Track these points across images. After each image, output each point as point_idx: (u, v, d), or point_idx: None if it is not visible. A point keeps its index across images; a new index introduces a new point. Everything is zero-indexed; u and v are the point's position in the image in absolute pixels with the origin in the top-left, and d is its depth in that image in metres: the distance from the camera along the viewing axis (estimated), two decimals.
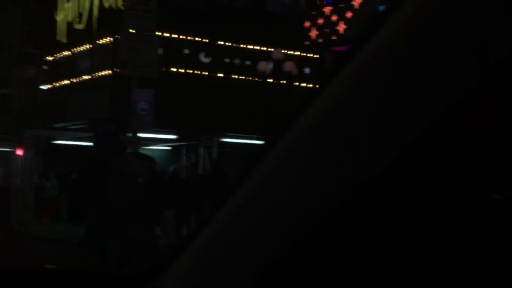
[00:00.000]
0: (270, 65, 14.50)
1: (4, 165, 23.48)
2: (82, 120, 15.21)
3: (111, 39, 14.19)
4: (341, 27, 9.76)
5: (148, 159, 9.32)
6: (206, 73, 15.48)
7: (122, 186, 8.73)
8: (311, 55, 17.33)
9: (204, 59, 15.45)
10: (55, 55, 16.96)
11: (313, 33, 10.60)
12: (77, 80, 15.38)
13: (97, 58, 14.85)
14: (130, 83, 13.15)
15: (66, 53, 16.45)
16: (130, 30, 12.89)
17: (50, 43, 19.08)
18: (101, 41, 14.58)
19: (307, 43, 11.07)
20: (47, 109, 17.01)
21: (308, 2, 17.59)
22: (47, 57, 17.88)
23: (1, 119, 20.79)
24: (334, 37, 9.95)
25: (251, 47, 16.28)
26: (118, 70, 12.72)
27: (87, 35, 16.87)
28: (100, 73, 14.39)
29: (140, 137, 15.67)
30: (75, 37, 17.58)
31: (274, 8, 20.33)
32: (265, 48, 16.53)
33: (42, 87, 17.61)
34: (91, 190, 8.99)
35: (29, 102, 18.43)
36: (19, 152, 18.66)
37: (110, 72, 14.10)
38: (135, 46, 12.88)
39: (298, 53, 17.02)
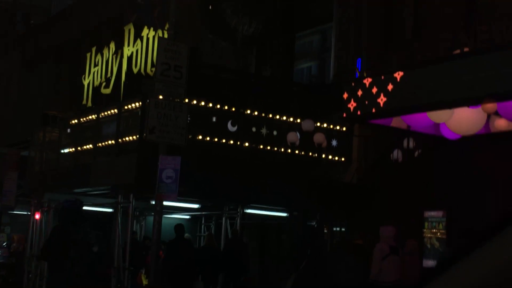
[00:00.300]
0: (299, 136, 14.25)
1: (22, 228, 23.22)
2: (105, 185, 14.92)
3: (139, 104, 14.03)
4: (382, 99, 9.51)
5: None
6: (232, 142, 15.22)
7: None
8: (338, 127, 17.10)
9: (231, 127, 15.22)
10: (79, 118, 16.82)
11: (352, 104, 10.33)
12: (102, 144, 15.16)
13: (124, 123, 14.67)
14: (158, 149, 12.96)
15: (91, 117, 16.31)
16: (160, 96, 12.75)
17: (75, 107, 19.06)
18: (128, 106, 14.42)
19: (345, 115, 10.79)
20: (69, 173, 16.78)
21: (348, 73, 17.50)
22: (71, 121, 17.75)
23: (22, 182, 20.60)
24: (373, 110, 9.68)
25: (278, 117, 16.07)
26: (145, 135, 12.46)
27: (114, 99, 16.82)
28: (126, 138, 14.16)
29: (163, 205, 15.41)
30: (101, 101, 17.53)
31: (300, 79, 20.35)
32: (291, 119, 16.33)
33: (65, 150, 17.41)
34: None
35: (51, 165, 18.23)
36: (37, 216, 18.39)
37: (136, 137, 13.86)
38: (164, 112, 12.72)
39: (325, 125, 16.80)
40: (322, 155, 15.08)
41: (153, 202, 14.90)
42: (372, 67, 17.35)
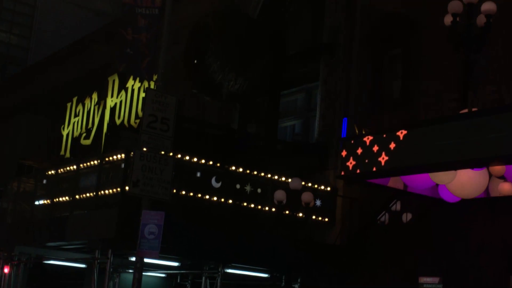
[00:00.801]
0: (282, 196, 13.87)
1: None
2: (82, 239, 14.30)
3: (122, 156, 13.57)
4: (383, 158, 9.21)
5: None
6: (215, 199, 14.77)
7: None
8: (322, 187, 16.75)
9: (216, 184, 14.80)
10: (57, 169, 16.26)
11: (350, 163, 10.01)
12: (80, 197, 14.59)
13: (104, 175, 14.16)
14: (140, 203, 12.46)
15: (70, 168, 15.77)
16: (144, 149, 12.30)
17: (53, 157, 18.53)
18: (111, 158, 13.94)
19: (343, 173, 10.46)
20: (43, 226, 16.13)
21: (333, 132, 17.32)
22: (48, 171, 17.17)
23: None
24: (374, 169, 9.36)
25: (263, 174, 15.70)
26: (128, 189, 11.96)
27: (94, 151, 16.33)
28: (107, 191, 13.63)
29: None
30: (81, 153, 17.03)
31: (284, 137, 20.11)
32: (276, 177, 15.97)
33: (40, 202, 16.77)
34: None
35: (24, 217, 17.54)
36: (6, 270, 17.59)
37: (118, 190, 13.35)
38: (149, 165, 12.29)
39: (309, 184, 16.44)
40: (309, 215, 14.66)
41: (132, 259, 14.36)
42: (359, 127, 17.19)
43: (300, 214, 15.16)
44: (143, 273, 19.31)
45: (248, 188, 15.47)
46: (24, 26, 67.13)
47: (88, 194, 14.56)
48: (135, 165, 12.14)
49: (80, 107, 17.59)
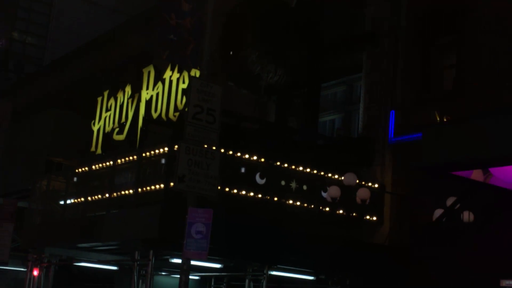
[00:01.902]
0: (336, 193, 13.05)
1: (11, 286, 21.60)
2: (119, 240, 13.56)
3: (163, 150, 12.82)
4: (471, 148, 8.38)
5: None
6: (260, 196, 13.99)
7: None
8: (370, 184, 15.91)
9: (260, 180, 14.01)
10: (90, 166, 15.54)
11: (433, 154, 9.18)
12: (117, 194, 13.85)
13: (144, 171, 13.42)
14: (181, 201, 11.74)
15: (104, 164, 15.04)
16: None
17: (82, 154, 17.85)
18: (151, 152, 13.19)
19: (424, 165, 9.63)
20: (74, 226, 15.40)
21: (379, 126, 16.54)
22: (79, 168, 16.46)
23: (20, 235, 19.17)
24: (462, 160, 8.53)
25: (309, 170, 14.90)
26: (173, 185, 11.21)
27: (128, 146, 15.65)
28: (148, 188, 12.89)
29: (173, 263, 14.06)
30: (113, 148, 16.33)
31: (323, 133, 19.33)
32: (322, 173, 15.17)
33: (71, 201, 16.06)
34: None
35: (54, 217, 16.85)
36: (35, 272, 16.91)
37: (160, 187, 12.60)
38: (195, 159, 11.53)
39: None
40: (360, 213, 13.84)
41: (173, 260, 13.62)
42: (407, 120, 16.36)
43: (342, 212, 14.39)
44: (175, 276, 18.77)
45: (293, 184, 14.69)
46: (41, 25, 66.84)
47: (126, 192, 13.82)
48: (181, 159, 11.40)
49: (112, 101, 16.89)
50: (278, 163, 14.48)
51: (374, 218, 15.97)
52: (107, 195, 14.60)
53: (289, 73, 17.50)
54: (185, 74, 14.11)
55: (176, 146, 12.14)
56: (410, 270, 14.34)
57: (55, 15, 66.03)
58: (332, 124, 19.84)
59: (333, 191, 13.13)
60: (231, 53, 18.03)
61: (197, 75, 13.60)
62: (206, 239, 11.22)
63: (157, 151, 13.29)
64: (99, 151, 16.82)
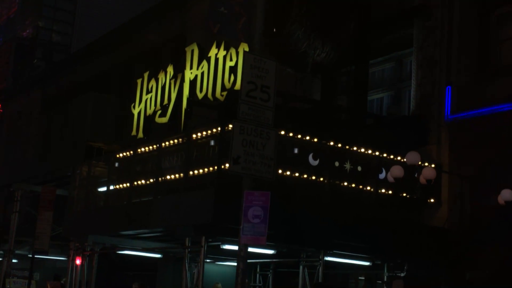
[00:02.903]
0: (400, 172, 12.38)
1: (53, 275, 21.32)
2: (168, 226, 13.09)
3: (214, 131, 12.27)
4: None
5: None
6: (314, 178, 13.39)
7: None
8: (426, 163, 15.19)
9: (313, 161, 13.41)
10: (134, 150, 15.05)
11: None
12: (164, 179, 13.35)
13: (193, 153, 12.90)
14: (234, 184, 11.21)
15: (149, 148, 14.55)
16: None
17: (123, 138, 17.41)
18: (202, 134, 12.65)
19: None
20: (119, 213, 14.97)
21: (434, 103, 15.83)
22: (120, 153, 16.00)
23: (59, 224, 18.86)
24: None
25: (363, 150, 14.26)
26: (228, 166, 10.65)
27: (172, 129, 15.13)
28: (199, 171, 12.37)
29: (224, 249, 13.55)
30: (155, 132, 15.83)
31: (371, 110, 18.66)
32: (377, 153, 14.52)
33: (114, 187, 15.62)
34: None
35: (96, 204, 16.44)
36: (78, 261, 16.55)
37: (212, 169, 12.06)
38: (250, 139, 10.97)
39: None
40: (426, 195, 13.18)
41: (225, 247, 13.10)
42: (465, 95, 15.64)
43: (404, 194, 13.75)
44: (220, 263, 18.30)
45: (347, 165, 14.06)
46: (67, 12, 66.79)
47: (174, 176, 13.30)
48: (235, 139, 10.83)
49: (153, 82, 16.33)
50: (332, 143, 13.85)
51: (432, 200, 15.31)
52: (152, 180, 14.10)
53: (336, 50, 16.82)
54: (233, 51, 13.52)
55: (229, 126, 11.59)
56: (469, 254, 13.76)
57: (80, 3, 66.00)
58: (380, 103, 19.11)
59: (396, 171, 12.49)
60: (274, 30, 17.36)
61: (246, 48, 13.00)
62: (264, 223, 10.69)
63: (207, 132, 12.74)
64: (140, 135, 16.28)
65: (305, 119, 15.39)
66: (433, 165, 15.15)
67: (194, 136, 13.05)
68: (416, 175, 14.12)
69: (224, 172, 11.78)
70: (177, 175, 13.24)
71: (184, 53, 15.26)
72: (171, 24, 24.00)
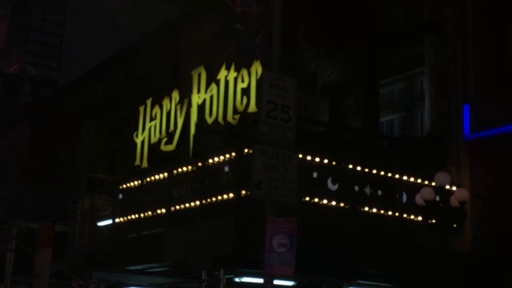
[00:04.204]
0: (430, 195, 11.75)
1: None
2: (182, 259, 12.36)
3: (231, 155, 11.65)
4: None
5: None
6: (334, 203, 12.75)
7: None
8: (448, 186, 14.58)
9: (332, 186, 12.78)
10: (141, 180, 14.38)
11: None
12: (178, 208, 12.66)
13: (207, 180, 12.25)
14: (254, 211, 10.58)
15: (158, 177, 13.88)
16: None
17: (125, 169, 16.72)
18: (216, 159, 12.01)
19: None
20: (126, 246, 14.24)
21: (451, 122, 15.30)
22: (125, 184, 15.32)
23: (58, 261, 18.02)
24: None
25: (383, 173, 13.66)
26: (250, 192, 10.01)
27: (179, 156, 14.50)
28: (214, 198, 11.70)
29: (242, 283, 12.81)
30: (161, 160, 15.17)
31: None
32: (397, 176, 13.92)
33: (120, 219, 14.90)
34: None
35: (100, 239, 15.69)
36: None
37: (231, 196, 11.40)
38: (272, 163, 10.36)
39: (426, 182, 14.33)
40: (459, 218, 12.53)
41: (243, 279, 12.36)
42: (484, 113, 15.12)
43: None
44: None
45: (367, 190, 13.44)
46: (54, 46, 66.26)
47: (186, 205, 12.62)
48: (256, 163, 10.22)
49: (156, 109, 15.71)
50: (351, 166, 13.24)
51: (454, 225, 14.67)
52: (162, 210, 13.40)
53: (346, 70, 16.30)
54: (244, 72, 12.96)
55: (244, 150, 10.99)
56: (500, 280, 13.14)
57: (67, 36, 65.49)
58: (391, 125, 18.58)
59: (427, 193, 11.85)
60: (280, 51, 16.82)
61: (259, 69, 12.47)
62: (291, 252, 10.04)
63: (220, 157, 12.10)
64: (145, 164, 15.61)
65: (317, 142, 14.82)
66: (454, 187, 14.57)
67: (208, 162, 12.38)
68: (438, 198, 13.50)
69: (242, 199, 11.14)
70: (189, 204, 12.55)
71: (180, 80, 14.72)
72: (165, 53, 23.61)
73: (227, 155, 12.04)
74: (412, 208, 13.69)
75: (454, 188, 14.48)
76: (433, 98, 16.18)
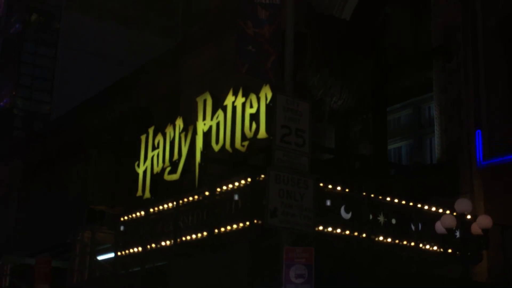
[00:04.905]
0: (452, 222, 11.36)
1: None
2: None
3: (243, 183, 11.26)
4: None
5: None
6: (348, 232, 12.34)
7: None
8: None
9: (345, 214, 12.38)
10: (146, 211, 13.96)
11: None
12: (186, 239, 12.23)
13: (215, 210, 11.84)
14: (266, 240, 10.18)
15: (163, 207, 13.47)
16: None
17: (126, 200, 16.29)
18: (227, 187, 11.62)
19: None
20: (130, 281, 13.74)
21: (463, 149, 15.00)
22: (126, 216, 14.88)
23: None
24: None
25: (397, 201, 13.27)
26: (265, 221, 9.62)
27: (183, 186, 14.12)
28: (224, 228, 11.29)
29: None
30: (165, 190, 14.78)
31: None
32: (411, 204, 13.53)
33: (123, 252, 14.43)
34: None
35: (103, 272, 15.20)
36: None
37: (244, 225, 10.98)
38: (287, 189, 10.00)
39: (441, 210, 13.94)
40: (480, 247, 12.12)
41: None
42: (498, 140, 14.82)
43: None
44: None
45: (381, 218, 13.03)
46: (46, 80, 65.96)
47: (195, 235, 12.18)
48: (271, 189, 9.86)
49: (159, 137, 15.35)
50: (364, 194, 12.85)
51: (468, 253, 14.25)
52: (169, 242, 12.95)
53: (354, 95, 16.00)
54: (253, 97, 12.66)
55: (261, 176, 10.62)
56: None
57: (59, 70, 65.21)
58: (398, 152, 18.25)
59: (448, 221, 11.45)
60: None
61: (269, 93, 12.16)
62: (309, 284, 9.66)
63: (230, 185, 11.72)
64: (147, 195, 15.21)
65: (328, 169, 14.49)
66: (469, 216, 14.17)
67: (217, 190, 11.99)
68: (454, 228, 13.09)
69: (256, 228, 10.74)
70: (197, 235, 12.11)
71: (178, 109, 14.40)
72: (164, 82, 23.38)
73: (236, 183, 11.64)
74: (428, 236, 13.30)
75: (468, 216, 14.12)
76: (444, 124, 15.88)
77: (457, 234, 13.69)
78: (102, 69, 57.46)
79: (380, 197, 13.10)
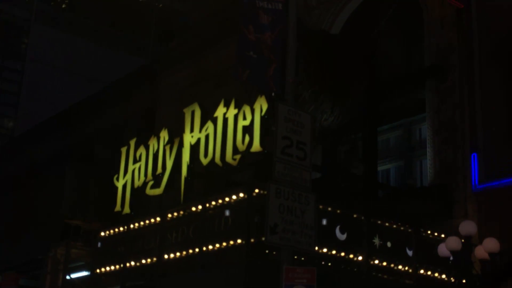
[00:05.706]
0: (457, 245, 10.89)
1: None
2: None
3: (236, 197, 10.69)
4: None
5: None
6: (343, 254, 11.80)
7: None
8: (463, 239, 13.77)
9: (341, 235, 11.86)
10: (127, 226, 13.27)
11: None
12: (174, 256, 11.56)
13: (206, 225, 11.23)
14: (261, 259, 9.62)
15: (147, 222, 12.81)
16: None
17: (104, 215, 15.59)
18: (213, 203, 11.03)
19: None
20: None
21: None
22: (104, 232, 14.17)
23: None
24: None
25: (392, 225, 12.82)
26: (265, 238, 9.05)
27: (166, 202, 13.52)
28: (217, 245, 10.67)
29: None
30: (146, 206, 14.15)
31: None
32: (403, 227, 13.07)
33: (101, 270, 13.68)
34: None
35: None
36: None
37: (240, 242, 10.37)
38: (287, 205, 9.46)
39: (436, 234, 13.58)
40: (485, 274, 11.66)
41: None
42: (494, 164, 14.47)
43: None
44: None
45: (376, 241, 12.52)
46: (11, 94, 64.69)
47: (182, 253, 11.51)
48: (271, 204, 9.32)
49: (141, 150, 14.72)
50: (356, 215, 12.35)
51: (464, 281, 13.81)
52: (147, 260, 12.27)
53: (345, 113, 15.55)
54: (246, 108, 12.15)
55: (256, 190, 10.05)
56: None
57: (26, 85, 63.96)
58: (387, 174, 17.83)
59: (453, 243, 10.96)
60: (273, 94, 16.08)
61: (264, 104, 11.67)
62: None
63: (220, 200, 11.13)
64: (126, 210, 14.53)
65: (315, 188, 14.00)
66: (462, 240, 13.75)
67: (208, 205, 11.38)
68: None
69: (252, 245, 10.14)
70: (180, 253, 11.45)
71: (153, 127, 13.83)
72: (139, 99, 22.81)
73: (227, 199, 11.06)
74: (424, 261, 12.85)
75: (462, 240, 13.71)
76: (437, 146, 15.51)
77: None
78: (71, 85, 56.47)
79: (379, 222, 12.61)
